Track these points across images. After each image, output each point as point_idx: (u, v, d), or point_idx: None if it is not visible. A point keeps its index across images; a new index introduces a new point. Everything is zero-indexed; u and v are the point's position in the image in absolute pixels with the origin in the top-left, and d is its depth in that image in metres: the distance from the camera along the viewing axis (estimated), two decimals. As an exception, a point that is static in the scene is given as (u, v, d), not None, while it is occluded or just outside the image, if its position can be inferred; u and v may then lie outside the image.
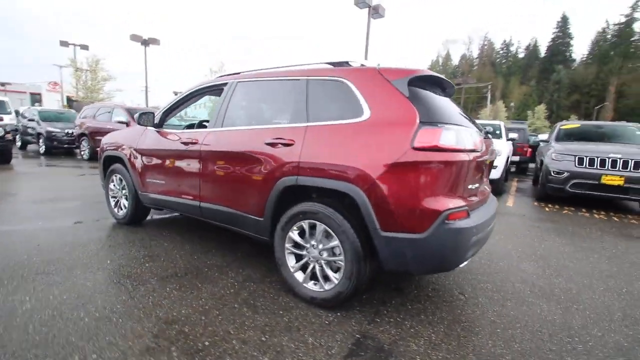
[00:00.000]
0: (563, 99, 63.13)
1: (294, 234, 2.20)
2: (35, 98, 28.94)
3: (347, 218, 1.97)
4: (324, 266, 2.10)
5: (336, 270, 2.08)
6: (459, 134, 1.83)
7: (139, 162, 3.30)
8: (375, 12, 13.89)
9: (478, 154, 1.95)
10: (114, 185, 3.75)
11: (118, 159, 3.63)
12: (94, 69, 21.47)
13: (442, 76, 2.24)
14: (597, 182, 5.44)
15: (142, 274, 2.47)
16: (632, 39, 66.29)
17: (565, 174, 5.69)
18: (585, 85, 62.99)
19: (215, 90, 2.99)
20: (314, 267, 2.14)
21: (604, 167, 5.45)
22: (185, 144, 2.83)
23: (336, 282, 2.04)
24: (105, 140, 3.89)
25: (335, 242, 2.01)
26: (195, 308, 2.05)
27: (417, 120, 1.82)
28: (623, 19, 68.12)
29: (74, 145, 10.97)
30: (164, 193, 3.11)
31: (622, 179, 5.27)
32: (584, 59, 72.21)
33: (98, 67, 21.56)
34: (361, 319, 2.03)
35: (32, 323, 1.82)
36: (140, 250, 2.95)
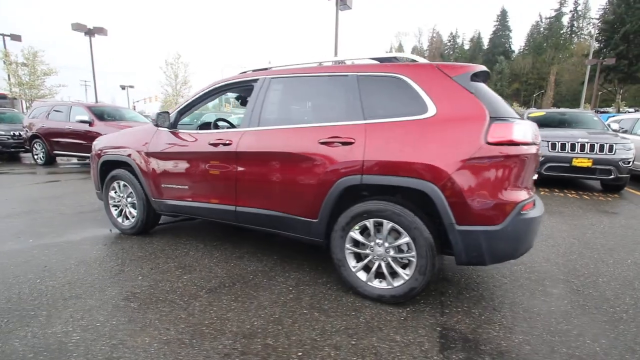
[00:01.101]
0: (505, 88, 68.34)
1: (356, 234, 2.17)
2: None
3: (417, 214, 1.99)
4: (392, 263, 2.10)
5: (403, 266, 2.10)
6: (526, 128, 1.92)
7: (151, 166, 3.02)
8: (343, 3, 13.89)
9: (538, 145, 2.06)
10: (116, 193, 3.41)
11: (122, 164, 3.30)
12: (31, 63, 19.06)
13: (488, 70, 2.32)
14: (569, 165, 6.01)
15: (187, 288, 2.30)
16: (562, 31, 73.23)
17: (541, 158, 6.21)
18: (523, 75, 68.76)
19: (240, 87, 2.82)
20: (379, 266, 2.14)
21: (574, 150, 6.02)
22: (215, 145, 2.64)
23: (407, 278, 2.05)
24: (100, 143, 3.51)
25: (406, 238, 2.02)
26: (266, 318, 1.96)
27: (487, 116, 1.87)
28: (553, 13, 75.04)
29: (22, 149, 9.78)
30: (186, 199, 2.90)
31: (590, 161, 5.87)
32: (522, 50, 78.65)
33: (36, 60, 19.17)
34: (432, 312, 2.08)
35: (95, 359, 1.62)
36: (168, 262, 2.74)
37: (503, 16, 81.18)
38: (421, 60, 2.22)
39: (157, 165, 3.00)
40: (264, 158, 2.42)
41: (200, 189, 2.81)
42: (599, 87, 36.09)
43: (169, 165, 2.94)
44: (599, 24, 35.71)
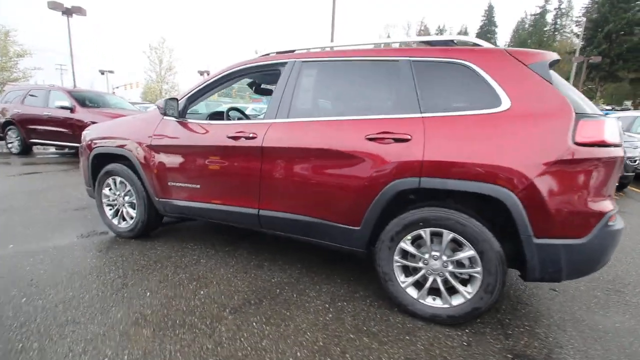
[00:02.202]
0: (491, 83, 69.05)
1: (407, 245, 1.88)
2: None
3: (485, 225, 1.72)
4: (449, 279, 1.83)
5: (462, 282, 1.83)
6: (615, 126, 1.66)
7: (155, 161, 2.63)
8: (339, -10, 13.40)
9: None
10: (111, 190, 3.00)
11: (118, 158, 2.88)
12: (3, 43, 17.63)
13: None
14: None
15: (206, 307, 1.96)
16: (545, 28, 74.63)
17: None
18: (509, 71, 69.67)
19: (263, 71, 2.45)
20: (433, 281, 1.87)
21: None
22: (235, 138, 2.28)
23: (469, 296, 1.79)
24: (91, 133, 3.07)
25: (469, 252, 1.74)
26: (309, 347, 1.65)
27: (573, 111, 1.60)
28: (538, 10, 76.27)
29: (-5, 136, 8.98)
30: (197, 199, 2.53)
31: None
32: (507, 45, 79.78)
33: (8, 40, 17.75)
34: (494, 334, 1.83)
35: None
36: (177, 272, 2.38)
37: (490, 11, 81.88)
38: (485, 44, 1.93)
39: (163, 160, 2.61)
40: (296, 155, 2.08)
41: (215, 188, 2.44)
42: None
43: (177, 160, 2.56)
44: (585, 23, 36.37)
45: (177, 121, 2.57)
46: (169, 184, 2.62)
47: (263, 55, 2.46)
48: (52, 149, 9.34)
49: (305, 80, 2.21)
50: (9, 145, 8.43)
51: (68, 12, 17.57)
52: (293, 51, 2.37)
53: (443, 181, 1.73)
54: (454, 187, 1.71)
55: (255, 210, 2.30)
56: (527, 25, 78.76)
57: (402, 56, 1.96)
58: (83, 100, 7.80)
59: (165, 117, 2.61)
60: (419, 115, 1.83)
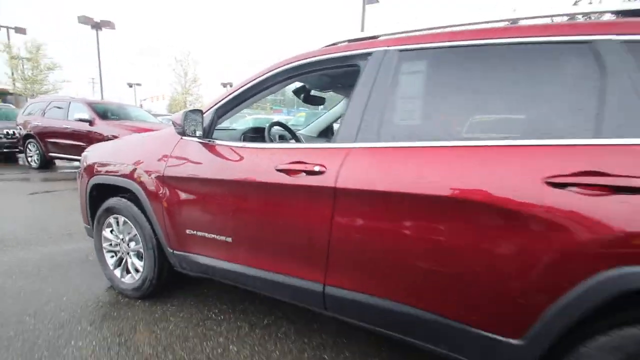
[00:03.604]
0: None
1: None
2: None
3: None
4: None
5: None
6: None
7: (170, 198, 1.85)
8: (370, -4, 12.71)
9: None
10: (112, 233, 2.25)
11: (122, 190, 2.13)
12: (34, 57, 18.05)
13: None
14: None
15: None
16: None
17: None
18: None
19: (327, 69, 1.62)
20: None
21: None
22: (289, 172, 1.46)
23: None
24: (91, 155, 2.35)
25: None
26: None
27: None
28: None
29: (17, 149, 8.71)
30: (228, 258, 1.72)
31: None
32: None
33: (39, 53, 18.17)
34: None
35: None
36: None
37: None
38: None
39: (180, 197, 1.82)
40: (401, 206, 1.22)
41: (255, 245, 1.62)
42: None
43: (200, 199, 1.77)
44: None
45: (201, 143, 1.78)
46: (187, 232, 1.83)
47: (328, 46, 1.64)
48: (76, 163, 8.99)
49: (407, 80, 1.36)
50: (29, 159, 8.10)
51: (97, 26, 17.88)
52: (377, 37, 1.55)
53: None
54: None
55: (319, 285, 1.45)
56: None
57: (601, 34, 1.08)
58: (103, 112, 7.35)
59: (184, 137, 1.83)
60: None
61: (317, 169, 1.38)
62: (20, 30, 19.88)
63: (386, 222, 1.25)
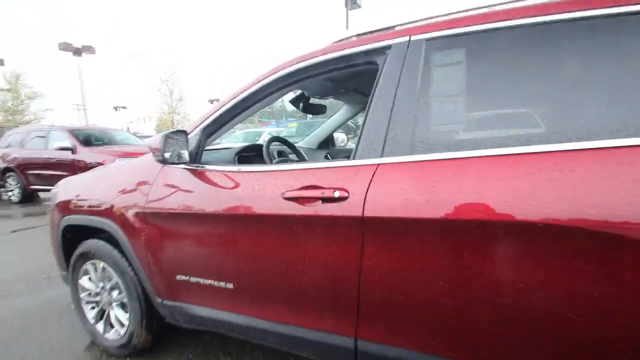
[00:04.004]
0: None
1: None
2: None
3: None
4: None
5: None
6: None
7: (155, 239, 1.53)
8: (353, 2, 12.67)
9: None
10: (91, 280, 1.91)
11: (99, 231, 1.81)
12: (14, 87, 17.58)
13: None
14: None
15: None
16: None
17: None
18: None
19: (335, 71, 1.33)
20: None
21: None
22: (299, 200, 1.15)
23: None
24: (63, 191, 2.02)
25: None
26: None
27: None
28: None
29: (-2, 185, 8.26)
30: (231, 307, 1.40)
31: None
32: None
33: (19, 83, 17.71)
34: None
35: None
36: None
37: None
38: None
39: (167, 237, 1.50)
40: (456, 236, 0.93)
41: (263, 292, 1.31)
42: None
43: (190, 238, 1.46)
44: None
45: (188, 169, 1.47)
46: (177, 278, 1.51)
47: (336, 43, 1.36)
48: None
49: (443, 75, 1.08)
50: (9, 194, 7.65)
51: (78, 52, 17.54)
52: (392, 27, 1.27)
53: None
54: None
55: (349, 339, 1.14)
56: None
57: None
58: (86, 138, 6.99)
59: (166, 166, 1.52)
60: None
61: (337, 194, 1.08)
62: (-2, 62, 19.46)
63: (436, 259, 0.95)
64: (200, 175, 1.45)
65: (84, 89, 18.85)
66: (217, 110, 1.50)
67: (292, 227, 1.17)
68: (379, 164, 1.06)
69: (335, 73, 1.36)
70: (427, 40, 1.10)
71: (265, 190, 1.24)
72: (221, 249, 1.36)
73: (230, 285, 1.36)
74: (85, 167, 6.12)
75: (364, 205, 1.03)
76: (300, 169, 1.23)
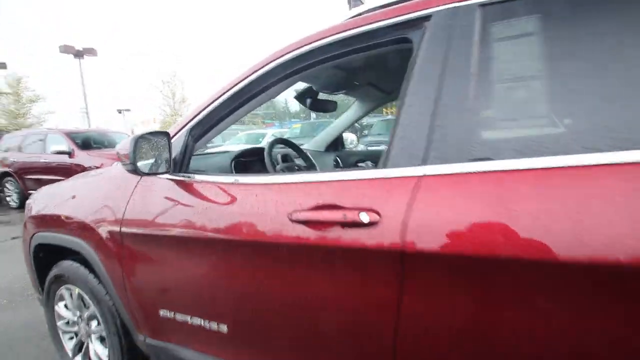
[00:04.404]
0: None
1: None
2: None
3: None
4: None
5: None
6: None
7: (134, 265, 1.25)
8: (356, 1, 12.35)
9: None
10: (67, 308, 1.65)
11: (71, 253, 1.54)
12: (15, 90, 17.51)
13: None
14: None
15: None
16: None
17: None
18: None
19: (349, 52, 1.03)
20: None
21: None
22: (313, 225, 0.87)
23: None
24: (38, 203, 1.75)
25: None
26: None
27: None
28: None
29: (-4, 189, 8.08)
30: (227, 357, 1.12)
31: None
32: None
33: (20, 86, 17.63)
34: None
35: None
36: None
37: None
38: None
39: (146, 263, 1.23)
40: (551, 282, 0.64)
41: (264, 338, 1.03)
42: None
43: (174, 266, 1.18)
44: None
45: (173, 180, 1.20)
46: (161, 313, 1.23)
47: (353, 18, 1.07)
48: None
49: (510, 51, 0.79)
50: (8, 199, 7.47)
51: (79, 54, 17.41)
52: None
53: None
54: None
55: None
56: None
57: None
58: (84, 141, 6.77)
59: (145, 177, 1.24)
60: None
61: (364, 217, 0.79)
62: (1, 66, 19.41)
63: (517, 315, 0.66)
64: (186, 187, 1.17)
65: (86, 91, 18.75)
66: (208, 106, 1.22)
67: (301, 259, 0.89)
68: (422, 176, 0.77)
69: (352, 58, 1.07)
70: (482, 5, 0.81)
71: (267, 209, 0.95)
72: (210, 281, 1.09)
73: (223, 328, 1.08)
74: (84, 170, 5.91)
75: (403, 234, 0.74)
76: (312, 182, 0.94)
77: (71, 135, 6.70)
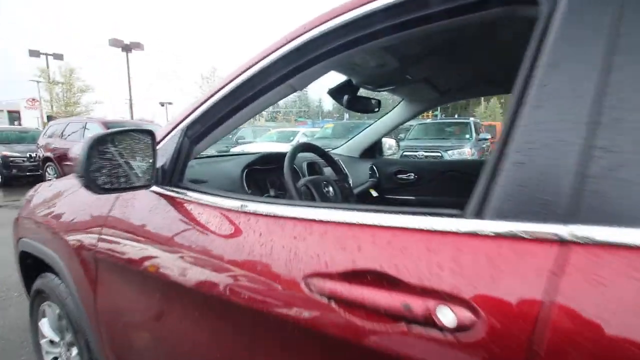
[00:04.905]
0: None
1: None
2: (14, 116, 25.96)
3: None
4: None
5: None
6: None
7: (110, 298, 0.98)
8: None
9: None
10: (50, 326, 1.42)
11: (48, 268, 1.30)
12: (68, 80, 18.74)
13: None
14: None
15: None
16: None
17: None
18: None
19: (432, 20, 0.66)
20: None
21: None
22: (348, 307, 0.51)
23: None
24: (30, 202, 1.55)
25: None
26: None
27: None
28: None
29: (39, 173, 8.49)
30: None
31: None
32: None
33: (73, 77, 18.85)
34: None
35: None
36: None
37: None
38: None
39: (124, 299, 0.95)
40: None
41: None
42: None
43: (154, 313, 0.88)
44: None
45: (159, 195, 0.89)
46: (133, 349, 0.94)
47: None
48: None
49: None
50: (48, 184, 7.80)
51: (127, 48, 18.23)
52: None
53: None
54: None
55: None
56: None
57: None
58: (120, 131, 6.90)
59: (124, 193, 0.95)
60: None
61: (444, 316, 0.43)
62: (58, 57, 20.84)
63: None
64: (176, 206, 0.86)
65: (134, 83, 19.64)
66: (211, 97, 0.90)
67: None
68: (567, 242, 0.39)
69: (420, 33, 0.70)
70: None
71: (277, 258, 0.61)
72: (201, 345, 0.77)
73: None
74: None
75: (529, 354, 0.37)
76: (348, 223, 0.58)
77: (108, 125, 6.84)
